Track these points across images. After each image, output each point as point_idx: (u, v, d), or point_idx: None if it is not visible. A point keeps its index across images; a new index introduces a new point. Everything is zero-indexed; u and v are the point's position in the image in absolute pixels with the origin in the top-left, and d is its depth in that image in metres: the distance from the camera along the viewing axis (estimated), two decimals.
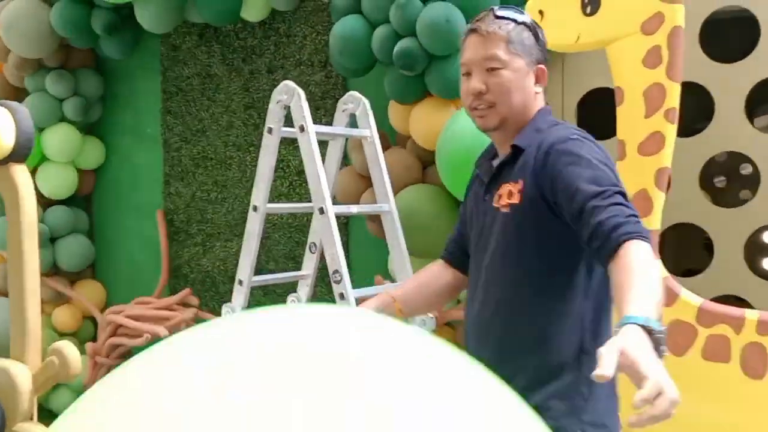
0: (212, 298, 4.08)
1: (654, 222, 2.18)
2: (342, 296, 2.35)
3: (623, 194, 1.37)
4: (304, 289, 2.94)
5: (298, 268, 3.83)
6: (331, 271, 2.38)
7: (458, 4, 2.75)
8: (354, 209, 2.64)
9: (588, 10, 2.21)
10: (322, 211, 2.40)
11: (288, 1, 3.59)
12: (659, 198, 2.16)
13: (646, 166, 2.15)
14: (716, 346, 2.08)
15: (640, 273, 1.23)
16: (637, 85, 2.15)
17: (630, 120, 2.18)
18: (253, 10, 3.68)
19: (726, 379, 2.07)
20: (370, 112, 2.66)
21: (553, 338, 1.45)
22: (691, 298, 2.15)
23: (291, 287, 3.41)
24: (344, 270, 2.36)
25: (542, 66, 1.58)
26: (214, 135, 4.06)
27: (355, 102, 2.67)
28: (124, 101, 4.34)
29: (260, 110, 3.89)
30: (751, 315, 2.06)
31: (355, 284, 3.06)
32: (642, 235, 1.29)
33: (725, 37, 2.84)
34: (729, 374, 2.07)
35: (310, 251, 2.92)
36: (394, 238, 2.61)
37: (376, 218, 3.22)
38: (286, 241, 3.86)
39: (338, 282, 2.37)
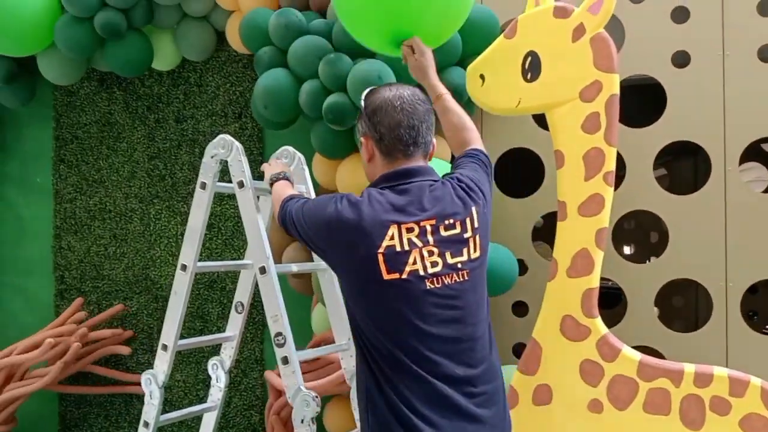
0: (109, 361, 3.76)
1: (594, 280, 2.26)
2: (285, 360, 2.23)
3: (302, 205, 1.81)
4: (228, 352, 2.77)
5: (208, 327, 3.64)
6: (273, 334, 2.26)
7: (387, 61, 2.77)
8: (294, 267, 2.54)
9: (529, 76, 2.29)
10: (263, 270, 2.28)
11: (201, 51, 3.47)
12: (599, 257, 2.25)
13: (587, 226, 2.24)
14: (657, 399, 2.16)
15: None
16: (577, 149, 2.25)
17: (570, 182, 2.26)
18: (161, 60, 3.52)
19: (667, 431, 2.15)
20: (306, 168, 2.59)
21: None
22: (631, 354, 2.23)
23: (212, 350, 3.23)
24: (288, 332, 2.24)
25: (363, 136, 1.77)
26: (113, 186, 3.80)
27: (289, 157, 2.60)
28: (10, 149, 3.98)
29: (166, 161, 3.71)
30: (689, 368, 2.17)
31: None
32: (280, 213, 1.89)
33: (634, 104, 3.05)
34: (670, 427, 2.15)
35: (236, 311, 2.76)
36: (332, 296, 2.53)
37: (302, 275, 3.13)
38: (193, 299, 3.65)
39: (281, 345, 2.24)
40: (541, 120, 3.20)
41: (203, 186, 2.42)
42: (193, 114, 3.66)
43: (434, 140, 1.77)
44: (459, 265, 1.62)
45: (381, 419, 1.59)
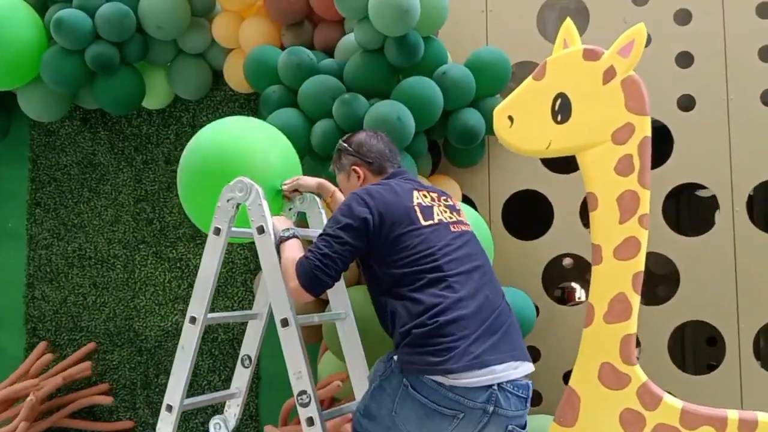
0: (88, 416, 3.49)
1: (632, 325, 2.19)
2: (311, 421, 2.07)
3: (324, 234, 1.97)
4: (233, 410, 2.58)
5: (198, 381, 3.41)
6: (296, 392, 2.10)
7: (406, 103, 2.71)
8: (316, 318, 2.39)
9: (559, 118, 2.24)
10: (285, 323, 2.13)
11: (195, 90, 3.34)
12: (636, 301, 2.18)
13: (623, 270, 2.17)
14: None
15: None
16: (611, 191, 2.19)
17: (605, 225, 2.20)
18: (153, 99, 3.38)
19: None
20: (323, 210, 2.47)
21: None
22: (673, 401, 2.15)
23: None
24: (313, 390, 2.09)
25: (353, 167, 2.21)
26: (94, 231, 3.59)
27: (305, 201, 2.48)
28: None
29: (154, 204, 3.53)
30: (732, 414, 2.10)
31: (286, 396, 2.77)
32: (298, 269, 1.95)
33: None
34: None
35: (243, 365, 2.58)
36: (352, 346, 2.39)
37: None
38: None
39: (306, 405, 2.08)
40: (549, 162, 3.18)
41: (217, 232, 2.27)
42: None
43: None
44: (463, 222, 2.11)
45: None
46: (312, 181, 2.38)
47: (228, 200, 2.25)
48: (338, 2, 2.72)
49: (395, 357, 1.92)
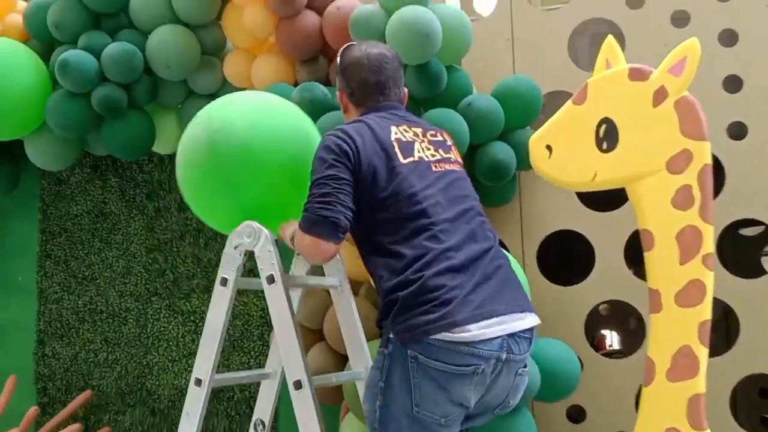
0: None
1: (701, 384, 1.89)
2: None
3: (314, 182, 1.75)
4: None
5: None
6: None
7: None
8: (333, 378, 2.14)
9: (604, 146, 1.99)
10: (299, 385, 1.88)
11: None
12: (704, 355, 1.89)
13: (687, 318, 1.89)
14: None
15: None
16: (669, 228, 1.92)
17: (663, 267, 1.93)
18: (164, 143, 3.21)
19: None
20: (341, 258, 2.23)
21: None
22: None
23: None
24: None
25: (339, 90, 1.98)
26: (105, 283, 3.40)
27: None
28: None
29: (167, 253, 3.33)
30: None
31: None
32: (302, 226, 1.74)
33: None
34: None
35: (256, 431, 2.33)
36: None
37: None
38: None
39: None
40: (587, 198, 2.92)
41: (224, 282, 2.04)
42: None
43: (405, 90, 1.97)
44: (451, 159, 1.88)
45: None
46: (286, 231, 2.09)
47: (235, 247, 2.02)
48: (353, 28, 2.54)
49: (390, 335, 1.69)
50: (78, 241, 3.45)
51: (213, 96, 3.13)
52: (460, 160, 1.93)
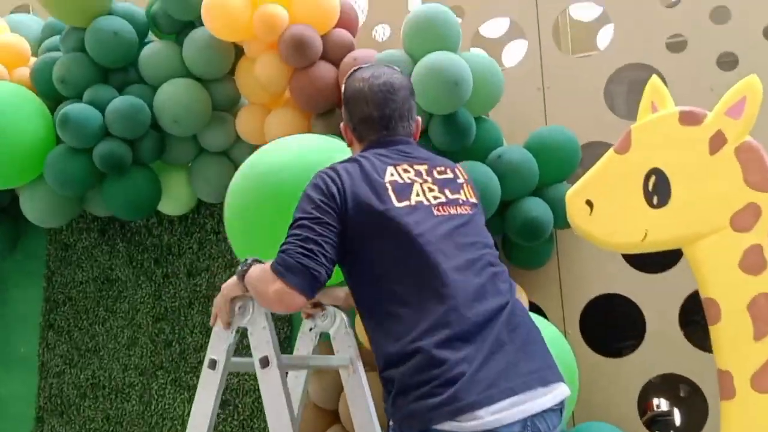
0: None
1: None
2: None
3: (297, 221, 1.49)
4: None
5: None
6: None
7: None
8: None
9: (655, 200, 1.72)
10: None
11: (219, 192, 2.95)
12: None
13: (767, 405, 1.57)
14: None
15: None
16: (737, 296, 1.63)
17: (733, 344, 1.63)
18: (173, 203, 3.02)
19: None
20: (351, 332, 1.95)
21: None
22: None
23: None
24: None
25: (342, 123, 1.75)
26: (109, 356, 3.16)
27: (329, 318, 1.98)
28: None
29: (174, 323, 3.10)
30: None
31: None
32: (275, 267, 1.45)
33: None
34: None
35: None
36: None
37: None
38: None
39: None
40: (634, 257, 2.62)
41: (212, 365, 1.76)
42: (209, 266, 3.09)
43: (418, 119, 1.73)
44: (460, 201, 1.61)
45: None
46: (338, 291, 1.88)
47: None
48: None
49: (391, 423, 1.42)
50: (82, 310, 3.24)
51: (224, 153, 2.95)
52: (472, 199, 1.66)
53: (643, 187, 1.74)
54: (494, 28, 3.87)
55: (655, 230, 1.72)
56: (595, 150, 2.67)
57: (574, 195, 1.79)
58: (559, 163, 2.45)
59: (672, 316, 2.55)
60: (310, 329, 1.94)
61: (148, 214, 2.98)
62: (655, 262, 2.56)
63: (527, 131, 2.62)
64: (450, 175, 1.65)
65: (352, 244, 1.49)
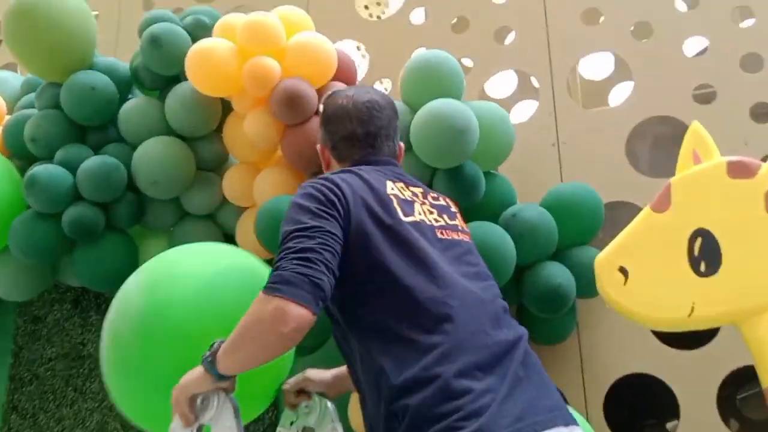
0: None
1: None
2: None
3: (289, 234, 1.28)
4: None
5: None
6: None
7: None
8: None
9: (702, 267, 1.45)
10: None
11: None
12: None
13: None
14: None
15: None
16: None
17: None
18: None
19: None
20: (340, 428, 1.65)
21: None
22: None
23: None
24: None
25: (319, 144, 1.63)
26: None
27: (313, 411, 1.67)
28: None
29: None
30: None
31: None
32: (268, 286, 1.22)
33: None
34: None
35: None
36: None
37: None
38: None
39: None
40: (666, 335, 2.33)
41: None
42: None
43: (401, 145, 1.63)
44: (459, 228, 1.51)
45: None
46: (326, 374, 1.60)
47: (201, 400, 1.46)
48: None
49: None
50: (50, 390, 2.93)
51: (210, 217, 2.70)
52: (467, 230, 1.57)
53: (688, 252, 1.47)
54: (502, 86, 3.68)
55: (703, 303, 1.44)
56: (616, 210, 2.43)
57: (605, 261, 1.52)
58: (581, 224, 2.19)
59: (709, 402, 2.24)
60: (291, 423, 1.64)
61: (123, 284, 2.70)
62: (689, 336, 2.26)
63: (542, 190, 2.38)
64: (443, 203, 1.56)
65: (351, 257, 1.30)
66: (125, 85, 2.68)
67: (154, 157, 2.48)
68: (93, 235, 2.45)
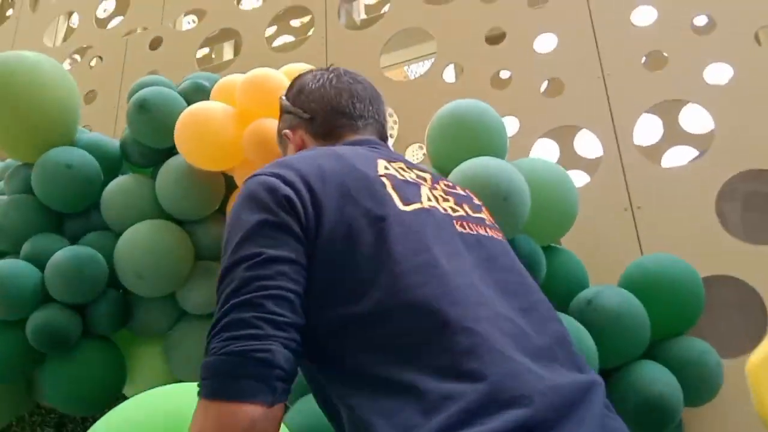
0: None
1: None
2: None
3: (223, 273, 0.92)
4: None
5: None
6: None
7: None
8: None
9: None
10: None
11: None
12: None
13: None
14: None
15: None
16: None
17: None
18: (143, 386, 2.27)
19: None
20: None
21: None
22: None
23: None
24: None
25: (284, 132, 1.25)
26: None
27: None
28: None
29: None
30: None
31: None
32: (201, 385, 0.86)
33: None
34: None
35: None
36: None
37: None
38: None
39: None
40: None
41: None
42: None
43: (391, 131, 1.27)
44: (487, 222, 1.11)
45: None
46: None
47: None
48: None
49: None
50: None
51: (211, 317, 2.25)
52: (498, 228, 1.16)
53: None
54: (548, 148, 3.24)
55: None
56: (716, 288, 1.92)
57: (763, 365, 1.02)
58: (677, 308, 1.67)
59: None
60: None
61: (107, 405, 2.23)
62: None
63: (617, 266, 1.88)
64: (461, 192, 1.17)
65: (325, 274, 0.93)
66: (112, 164, 2.31)
67: (139, 244, 2.06)
68: (65, 344, 2.00)
